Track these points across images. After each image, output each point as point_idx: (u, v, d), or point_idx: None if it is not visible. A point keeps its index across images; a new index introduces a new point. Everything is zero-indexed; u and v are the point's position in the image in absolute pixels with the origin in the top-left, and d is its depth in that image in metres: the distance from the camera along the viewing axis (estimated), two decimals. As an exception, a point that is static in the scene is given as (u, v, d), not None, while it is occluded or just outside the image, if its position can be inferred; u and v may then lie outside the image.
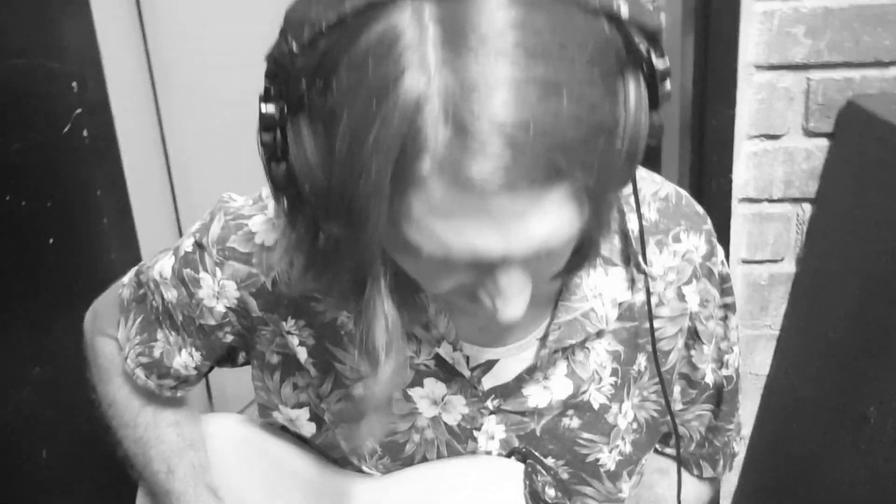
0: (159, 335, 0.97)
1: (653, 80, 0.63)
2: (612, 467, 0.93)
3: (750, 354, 1.78)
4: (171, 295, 0.94)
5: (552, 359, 0.88)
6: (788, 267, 1.67)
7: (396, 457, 0.93)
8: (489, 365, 0.88)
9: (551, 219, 0.59)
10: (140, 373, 1.00)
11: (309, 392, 0.93)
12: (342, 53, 0.57)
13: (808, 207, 1.61)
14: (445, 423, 0.90)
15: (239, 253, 0.89)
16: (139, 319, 0.98)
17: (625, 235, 0.86)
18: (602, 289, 0.86)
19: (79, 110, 1.41)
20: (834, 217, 1.49)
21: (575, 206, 0.59)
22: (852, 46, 1.50)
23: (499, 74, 0.54)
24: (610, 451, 0.92)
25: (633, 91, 0.62)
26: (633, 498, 1.01)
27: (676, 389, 0.98)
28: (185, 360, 0.97)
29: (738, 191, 1.63)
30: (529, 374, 0.88)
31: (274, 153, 0.64)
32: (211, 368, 1.02)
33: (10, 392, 1.42)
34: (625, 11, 0.60)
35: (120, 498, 1.17)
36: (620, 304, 0.87)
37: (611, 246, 0.86)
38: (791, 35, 1.51)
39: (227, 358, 1.01)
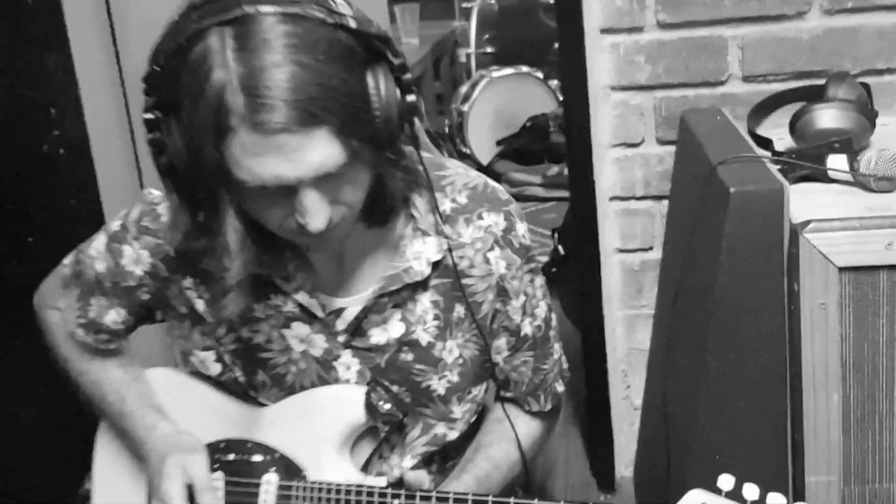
0: (93, 301, 1.29)
1: (396, 72, 1.02)
2: (442, 392, 1.25)
3: (633, 333, 2.10)
4: (101, 266, 1.27)
5: (383, 304, 1.20)
6: (657, 254, 2.00)
7: (282, 386, 1.24)
8: (339, 311, 1.21)
9: (321, 149, 0.96)
10: (80, 332, 1.32)
11: (210, 337, 1.25)
12: (181, 67, 0.96)
13: (666, 203, 1.94)
14: (312, 356, 1.22)
15: (150, 229, 1.23)
16: (77, 291, 1.31)
17: (436, 213, 1.19)
18: (421, 253, 1.19)
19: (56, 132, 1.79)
20: (673, 211, 1.82)
21: (337, 142, 0.96)
22: (683, 70, 1.84)
23: (273, 60, 0.93)
24: (440, 380, 1.24)
25: (382, 78, 1.00)
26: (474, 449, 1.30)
27: (503, 340, 1.29)
28: (113, 317, 1.29)
29: (607, 191, 1.97)
30: (365, 314, 1.20)
31: (157, 147, 1.01)
32: (136, 324, 1.33)
33: None
34: (353, 24, 0.98)
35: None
36: (434, 263, 1.19)
37: (426, 221, 1.19)
38: (635, 62, 1.85)
39: (147, 316, 1.32)
